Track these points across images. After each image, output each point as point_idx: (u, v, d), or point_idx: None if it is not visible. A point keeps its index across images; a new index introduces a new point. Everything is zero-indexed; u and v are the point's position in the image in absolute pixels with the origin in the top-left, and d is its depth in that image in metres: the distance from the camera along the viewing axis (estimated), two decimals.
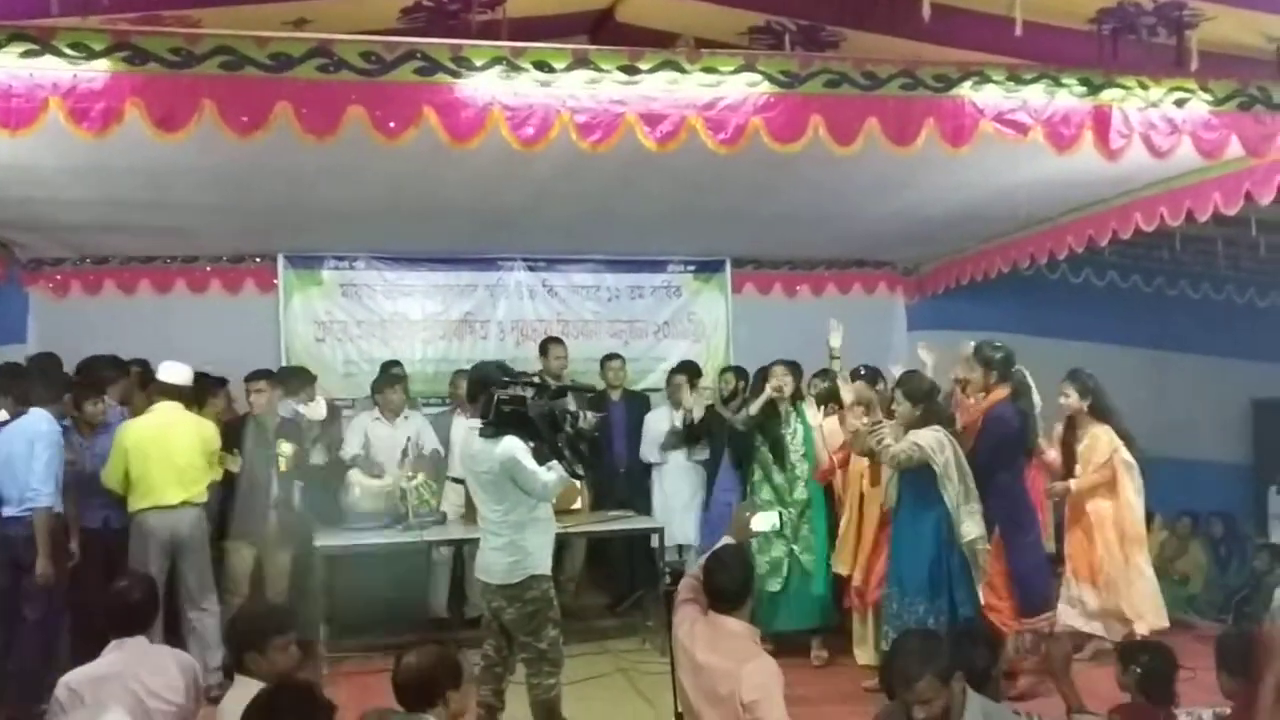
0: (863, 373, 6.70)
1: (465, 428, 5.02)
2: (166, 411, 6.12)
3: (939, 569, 5.60)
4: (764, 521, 4.41)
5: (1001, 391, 5.76)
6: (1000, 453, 5.67)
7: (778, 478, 6.66)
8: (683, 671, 3.74)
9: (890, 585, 5.84)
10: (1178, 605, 8.58)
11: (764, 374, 6.84)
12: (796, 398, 6.79)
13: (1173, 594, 8.81)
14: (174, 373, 6.24)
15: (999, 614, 5.55)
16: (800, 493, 6.68)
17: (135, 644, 3.85)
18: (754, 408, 6.67)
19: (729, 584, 3.79)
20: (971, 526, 5.53)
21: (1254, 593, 8.49)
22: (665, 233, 8.57)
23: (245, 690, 3.51)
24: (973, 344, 6.02)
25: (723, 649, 3.64)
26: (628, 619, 7.51)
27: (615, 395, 8.19)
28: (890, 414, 5.94)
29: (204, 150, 5.06)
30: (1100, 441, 5.94)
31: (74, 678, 3.74)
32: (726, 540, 4.32)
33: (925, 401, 5.74)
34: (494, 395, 4.74)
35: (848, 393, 6.33)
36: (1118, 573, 5.84)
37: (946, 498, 5.54)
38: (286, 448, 6.56)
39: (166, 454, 6.01)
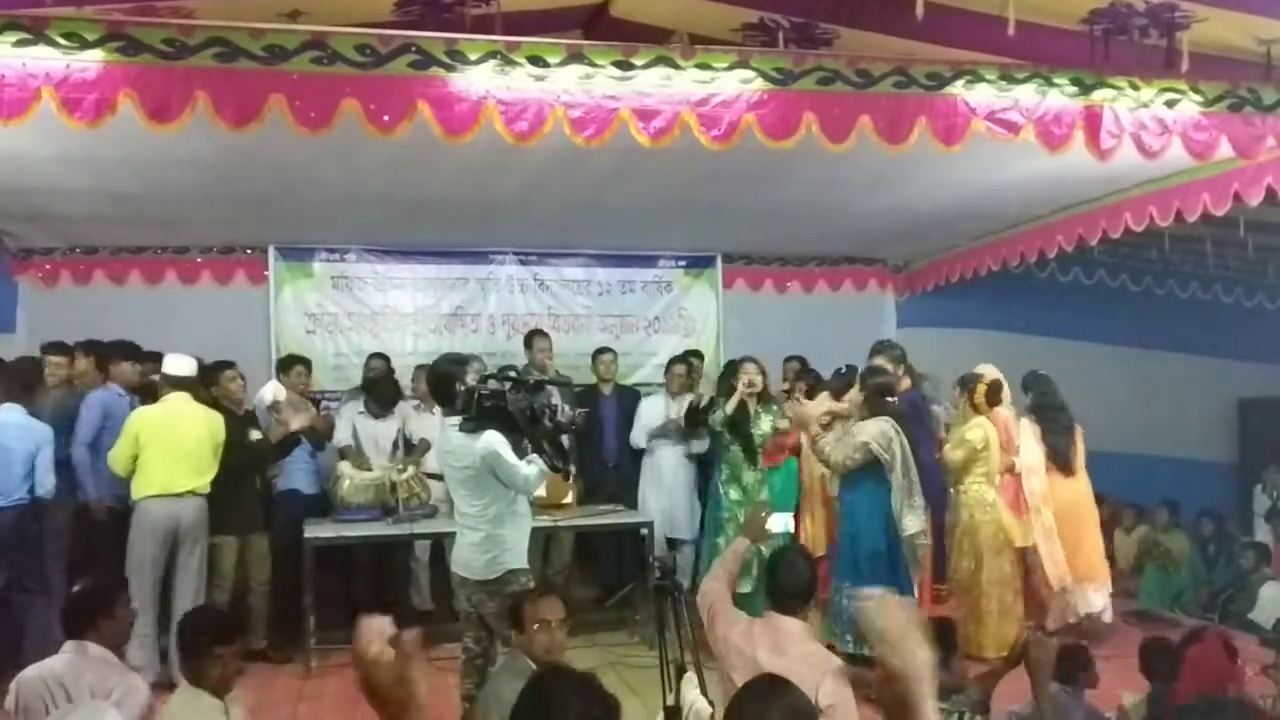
0: (843, 371, 6.77)
1: (444, 423, 5.00)
2: (177, 402, 6.13)
3: (891, 559, 5.69)
4: (780, 523, 4.41)
5: (907, 382, 6.83)
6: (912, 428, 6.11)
7: (748, 476, 6.62)
8: (737, 674, 3.64)
9: (840, 577, 5.89)
10: (1165, 598, 8.66)
11: (734, 370, 6.81)
12: (765, 396, 6.75)
13: (1161, 583, 8.90)
14: (179, 364, 6.25)
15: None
16: (767, 493, 6.63)
17: (94, 651, 3.71)
18: (729, 406, 6.67)
19: (797, 585, 3.77)
20: (913, 521, 5.67)
21: (1239, 591, 8.53)
22: (657, 228, 8.58)
23: (185, 698, 3.52)
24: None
25: (791, 652, 3.58)
26: (616, 613, 7.52)
27: (606, 389, 8.18)
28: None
29: (197, 141, 5.06)
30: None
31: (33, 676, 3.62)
32: (741, 539, 4.34)
33: (874, 394, 5.90)
34: (475, 390, 4.74)
35: (820, 405, 6.43)
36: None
37: (893, 492, 5.68)
38: (256, 434, 6.55)
39: (176, 443, 6.02)
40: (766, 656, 3.60)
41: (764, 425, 6.60)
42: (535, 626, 3.91)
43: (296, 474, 7.17)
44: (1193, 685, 3.88)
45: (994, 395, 6.78)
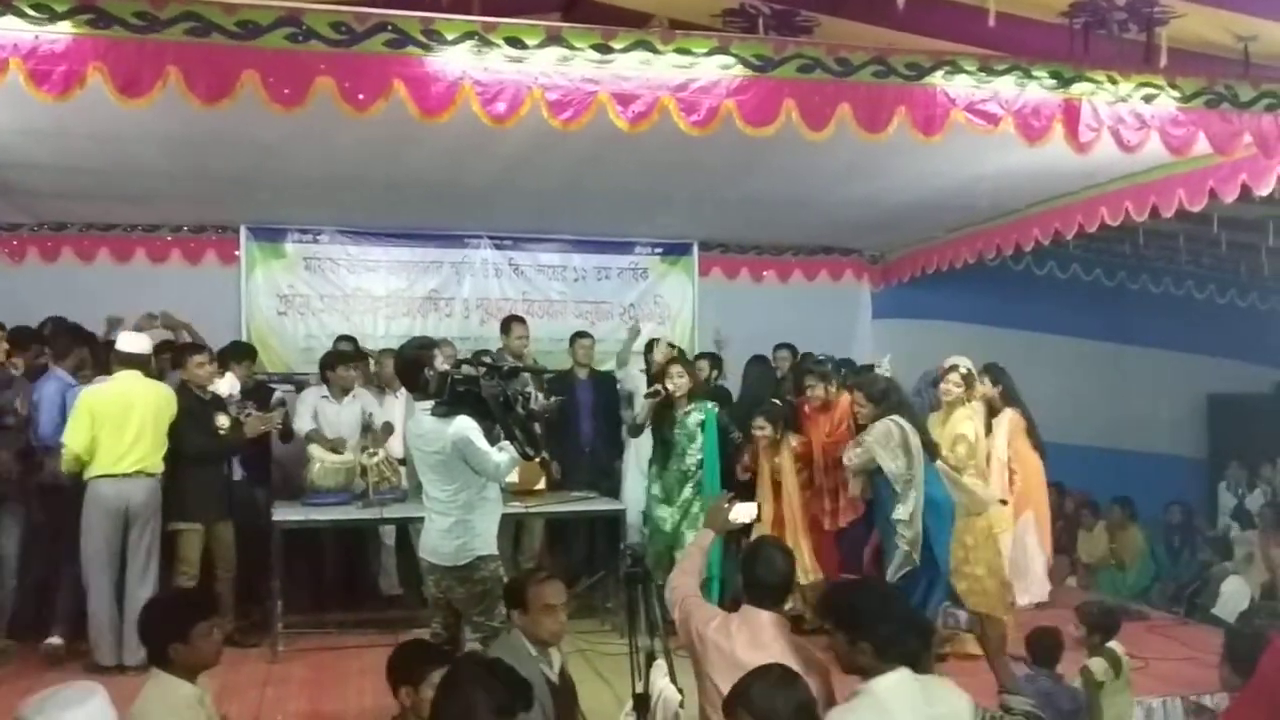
0: (820, 359, 6.81)
1: (414, 407, 4.95)
2: (126, 380, 6.03)
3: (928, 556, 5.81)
4: (744, 513, 4.40)
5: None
6: None
7: (669, 475, 6.62)
8: (715, 670, 3.61)
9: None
10: (1119, 592, 8.73)
11: (661, 373, 6.77)
12: (694, 394, 6.68)
13: (1112, 580, 9.00)
14: (132, 342, 6.15)
15: None
16: (688, 491, 6.58)
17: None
18: (640, 415, 6.70)
19: (773, 578, 3.74)
20: (901, 510, 5.82)
21: (1205, 585, 8.62)
22: (633, 214, 8.55)
23: (162, 687, 3.37)
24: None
25: (770, 646, 3.54)
26: (587, 600, 7.50)
27: (583, 374, 8.12)
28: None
29: (167, 117, 4.98)
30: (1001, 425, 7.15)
31: None
32: (706, 530, 4.32)
33: (883, 400, 6.04)
34: (448, 374, 4.70)
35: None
36: (1018, 550, 7.09)
37: (892, 483, 5.83)
38: (224, 420, 6.46)
39: (124, 422, 5.90)
40: (745, 651, 3.55)
41: (691, 425, 6.56)
42: (542, 610, 3.94)
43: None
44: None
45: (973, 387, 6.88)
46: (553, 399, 7.66)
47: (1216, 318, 10.43)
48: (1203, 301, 10.38)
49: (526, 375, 5.54)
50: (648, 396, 6.75)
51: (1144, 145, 5.44)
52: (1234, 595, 8.14)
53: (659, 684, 4.25)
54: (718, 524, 4.33)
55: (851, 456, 6.08)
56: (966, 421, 6.66)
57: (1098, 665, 4.85)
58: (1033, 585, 7.27)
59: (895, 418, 5.94)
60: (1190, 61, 5.53)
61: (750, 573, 3.78)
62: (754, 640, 3.60)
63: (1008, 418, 7.22)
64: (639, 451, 7.66)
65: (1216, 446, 11.17)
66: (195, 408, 6.30)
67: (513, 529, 7.01)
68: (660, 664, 4.32)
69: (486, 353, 7.08)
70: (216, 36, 4.42)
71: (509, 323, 7.92)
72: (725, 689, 3.41)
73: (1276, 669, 3.84)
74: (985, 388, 7.15)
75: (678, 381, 6.61)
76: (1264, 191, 5.87)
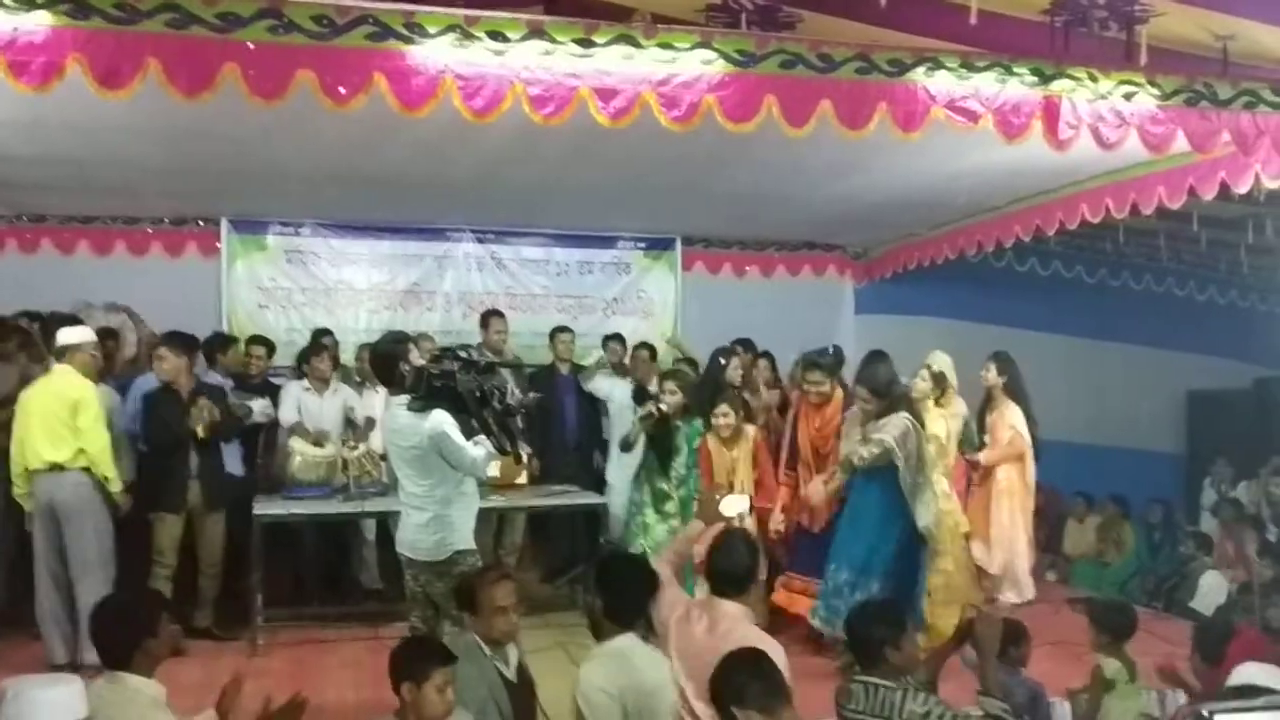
0: (822, 351, 6.85)
1: (390, 402, 4.95)
2: (55, 374, 5.94)
3: (904, 555, 5.85)
4: (734, 506, 4.42)
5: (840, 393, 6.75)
6: None
7: (659, 483, 6.56)
8: (677, 655, 3.69)
9: (841, 565, 5.94)
10: (1103, 587, 8.80)
11: (656, 391, 6.73)
12: (686, 411, 6.59)
13: (1097, 575, 9.08)
14: (68, 334, 6.03)
15: None
16: (671, 506, 6.53)
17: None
18: (635, 436, 6.66)
19: (736, 569, 3.79)
20: (924, 513, 5.82)
21: (1183, 580, 8.69)
22: (616, 209, 8.55)
23: (128, 691, 3.32)
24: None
25: (729, 635, 3.59)
26: (567, 592, 7.52)
27: (564, 369, 8.14)
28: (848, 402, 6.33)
29: (148, 109, 4.94)
30: (1004, 417, 7.17)
31: None
32: (696, 521, 4.34)
33: (888, 393, 5.97)
34: (424, 369, 4.70)
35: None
36: (1006, 543, 7.14)
37: (903, 485, 5.79)
38: (199, 413, 6.42)
39: (35, 416, 5.82)
40: (704, 639, 3.63)
41: (682, 442, 6.54)
42: (494, 612, 3.95)
43: (228, 456, 6.86)
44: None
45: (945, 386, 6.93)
46: (530, 395, 7.69)
47: (1196, 315, 10.49)
48: (1183, 299, 10.43)
49: (505, 370, 5.54)
50: (642, 419, 6.62)
51: (1123, 143, 5.46)
52: (1212, 590, 8.20)
53: None
54: (708, 515, 4.35)
55: (863, 454, 5.90)
56: (939, 421, 6.72)
57: (1110, 665, 4.62)
58: (1021, 583, 7.34)
59: (906, 415, 5.90)
60: (1170, 60, 5.55)
61: (714, 563, 3.83)
62: (712, 628, 3.67)
63: (1011, 410, 7.27)
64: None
65: (1196, 442, 11.24)
66: (163, 399, 6.28)
67: (495, 523, 7.02)
68: None
69: (467, 347, 7.06)
70: (197, 28, 4.38)
71: (488, 317, 7.93)
72: (685, 674, 3.51)
73: (1244, 657, 3.89)
74: (990, 375, 7.31)
75: (670, 400, 6.52)
76: (1242, 189, 5.91)
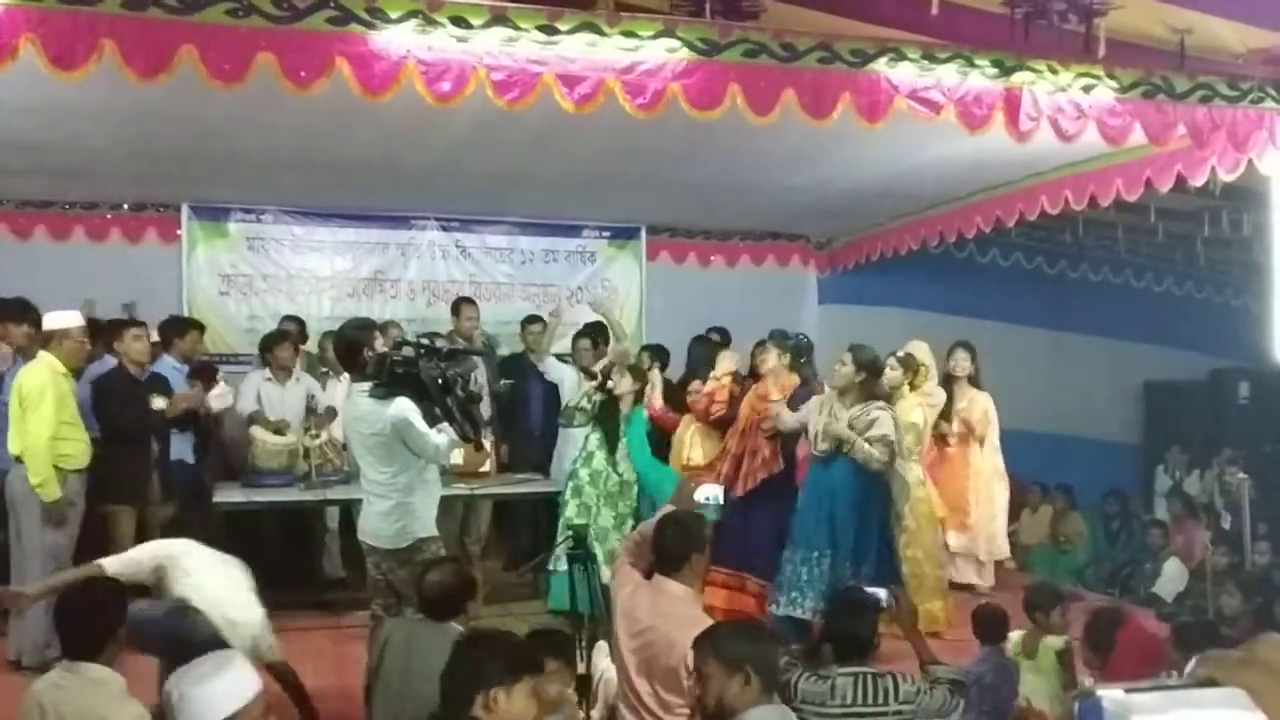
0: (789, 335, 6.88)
1: (352, 389, 4.92)
2: (33, 363, 5.75)
3: (879, 533, 5.90)
4: (707, 492, 4.46)
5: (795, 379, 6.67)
6: None
7: (598, 461, 6.52)
8: (622, 635, 3.74)
9: (806, 547, 5.92)
10: (1064, 574, 8.91)
11: (605, 374, 6.65)
12: (639, 400, 6.58)
13: (1053, 562, 9.20)
14: (50, 320, 5.85)
15: None
16: (612, 483, 6.47)
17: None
18: (575, 400, 6.70)
19: (672, 546, 3.84)
20: (897, 499, 6.05)
21: (1139, 567, 8.80)
22: (581, 197, 8.54)
23: (96, 681, 3.27)
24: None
25: (667, 614, 3.64)
26: (532, 582, 7.50)
27: (534, 359, 8.10)
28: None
29: (105, 92, 4.90)
30: (977, 402, 7.47)
31: None
32: (668, 507, 4.36)
33: (868, 367, 5.95)
34: (386, 356, 4.68)
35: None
36: (984, 518, 7.43)
37: (893, 477, 6.02)
38: (160, 402, 6.33)
39: (11, 407, 5.69)
40: (647, 617, 3.70)
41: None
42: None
43: (179, 445, 6.74)
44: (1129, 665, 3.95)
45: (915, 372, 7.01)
46: (502, 382, 7.67)
47: (1153, 306, 10.64)
48: (1140, 290, 10.58)
49: (475, 358, 5.51)
50: (598, 389, 6.59)
51: (1082, 135, 5.52)
52: (1175, 576, 8.31)
53: (601, 664, 4.29)
54: (682, 502, 4.38)
55: (877, 456, 5.76)
56: (916, 409, 6.75)
57: (1013, 639, 4.76)
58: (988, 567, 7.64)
59: (884, 405, 5.93)
60: (1127, 53, 5.61)
61: (659, 544, 3.88)
62: (654, 607, 3.73)
63: (983, 396, 7.53)
64: (570, 435, 7.62)
65: (1152, 432, 11.39)
66: (124, 386, 6.16)
67: (460, 511, 7.00)
68: (602, 645, 4.36)
69: (436, 334, 7.03)
70: (154, 10, 4.32)
71: (459, 304, 7.89)
72: (625, 652, 3.62)
73: (1133, 645, 3.95)
74: (965, 364, 7.55)
75: (619, 382, 6.47)
76: (1198, 182, 6.00)
